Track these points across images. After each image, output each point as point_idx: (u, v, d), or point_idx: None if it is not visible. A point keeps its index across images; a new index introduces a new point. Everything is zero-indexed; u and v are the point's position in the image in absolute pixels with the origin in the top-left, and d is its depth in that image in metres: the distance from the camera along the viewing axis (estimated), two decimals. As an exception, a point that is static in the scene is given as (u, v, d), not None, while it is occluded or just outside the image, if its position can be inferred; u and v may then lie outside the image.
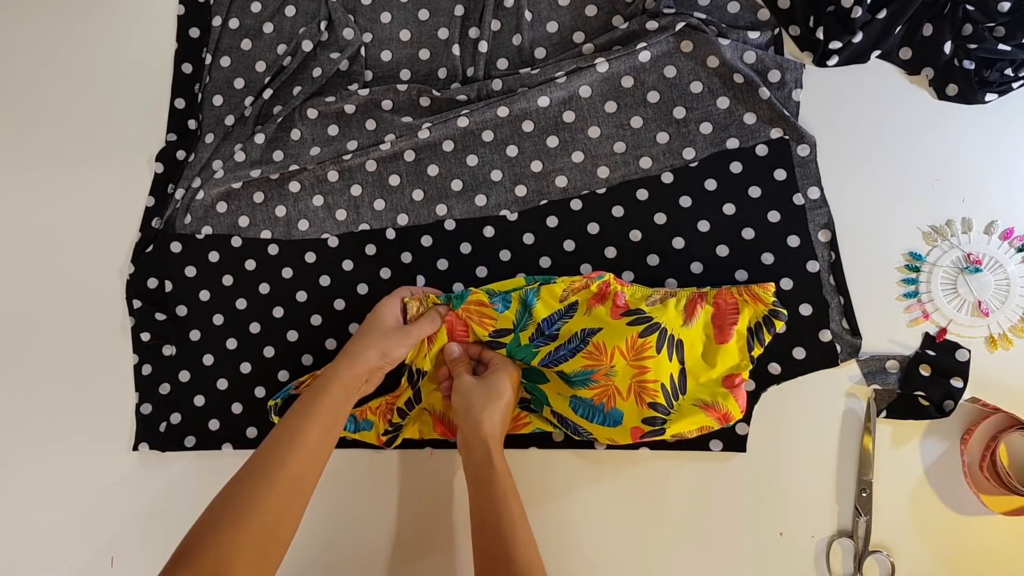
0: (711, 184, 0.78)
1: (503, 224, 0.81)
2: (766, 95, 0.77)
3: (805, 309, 0.76)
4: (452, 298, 0.76)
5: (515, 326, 0.75)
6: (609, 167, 0.80)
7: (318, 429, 0.67)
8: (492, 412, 0.70)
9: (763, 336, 0.74)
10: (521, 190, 0.82)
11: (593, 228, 0.80)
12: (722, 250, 0.77)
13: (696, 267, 0.78)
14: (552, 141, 0.81)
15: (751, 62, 0.78)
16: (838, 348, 0.75)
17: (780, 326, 0.74)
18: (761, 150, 0.78)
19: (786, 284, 0.77)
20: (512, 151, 0.82)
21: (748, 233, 0.77)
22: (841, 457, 0.76)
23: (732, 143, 0.78)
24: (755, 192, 0.78)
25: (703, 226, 0.78)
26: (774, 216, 0.77)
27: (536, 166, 0.81)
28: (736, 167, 0.78)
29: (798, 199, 0.77)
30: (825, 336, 0.76)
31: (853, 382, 0.76)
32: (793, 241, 0.77)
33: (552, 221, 0.80)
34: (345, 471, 0.80)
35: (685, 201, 0.78)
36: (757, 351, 0.74)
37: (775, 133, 0.78)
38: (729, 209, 0.78)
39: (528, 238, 0.80)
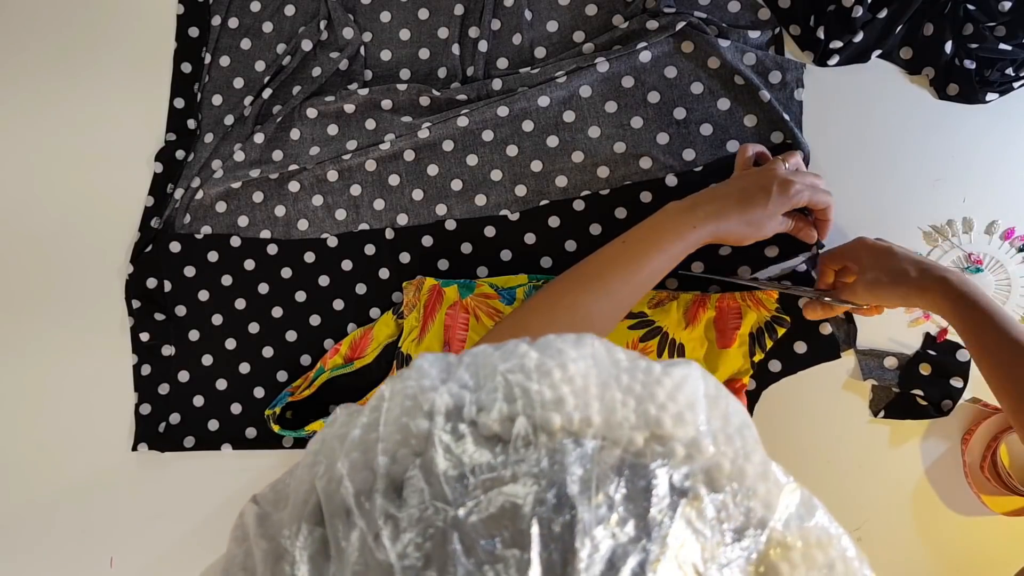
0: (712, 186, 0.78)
1: (504, 224, 0.81)
2: (766, 98, 0.77)
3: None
4: (459, 286, 0.76)
5: None
6: (609, 167, 0.80)
7: (652, 271, 0.63)
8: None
9: (764, 342, 0.74)
10: (521, 190, 0.81)
11: (596, 229, 0.79)
12: (724, 249, 0.77)
13: (697, 267, 0.77)
14: (552, 141, 0.81)
15: (751, 63, 0.78)
16: (839, 339, 0.76)
17: (781, 332, 0.74)
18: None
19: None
20: (512, 151, 0.82)
21: (725, 250, 0.77)
22: (841, 456, 0.75)
23: (732, 145, 0.78)
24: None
25: None
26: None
27: (536, 166, 0.81)
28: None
29: None
30: (826, 329, 0.76)
31: (852, 379, 0.76)
32: (771, 251, 0.77)
33: (554, 221, 0.80)
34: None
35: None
36: (758, 356, 0.74)
37: (776, 137, 0.78)
38: None
39: (529, 238, 0.80)
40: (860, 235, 0.71)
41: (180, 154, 0.86)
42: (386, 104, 0.83)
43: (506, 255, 0.80)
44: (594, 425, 0.25)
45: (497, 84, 0.81)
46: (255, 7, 0.88)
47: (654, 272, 0.64)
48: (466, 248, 0.81)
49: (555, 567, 0.22)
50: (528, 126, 0.81)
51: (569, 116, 0.81)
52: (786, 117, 0.77)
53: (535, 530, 0.23)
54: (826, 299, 0.71)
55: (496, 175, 0.82)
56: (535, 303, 0.61)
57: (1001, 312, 0.59)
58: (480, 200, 0.82)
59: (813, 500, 0.28)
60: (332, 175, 0.83)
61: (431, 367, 0.28)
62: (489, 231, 0.81)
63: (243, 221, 0.85)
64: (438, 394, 0.26)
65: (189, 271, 0.85)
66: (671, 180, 0.79)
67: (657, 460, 0.25)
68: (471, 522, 0.23)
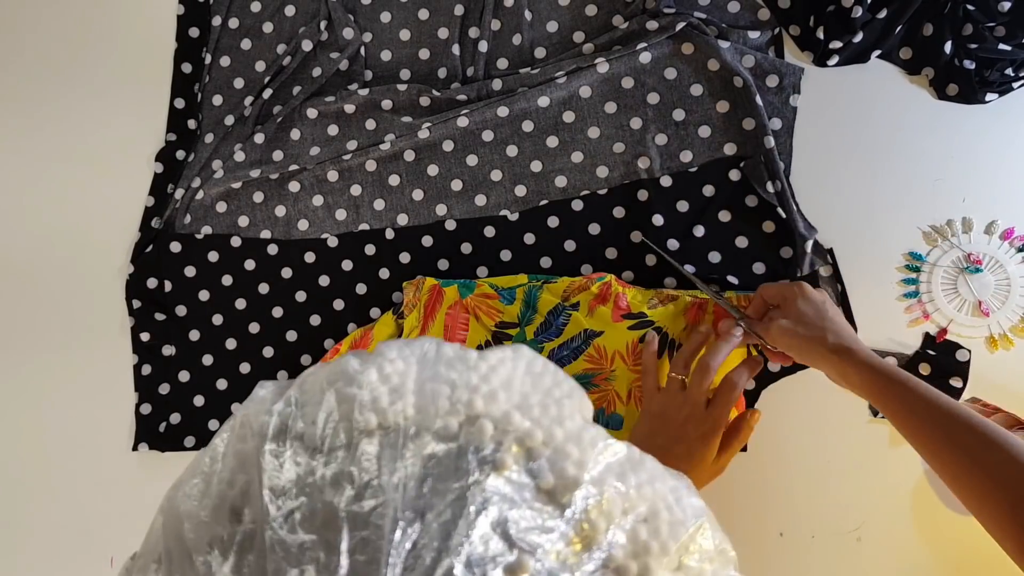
0: (708, 190, 0.78)
1: (504, 224, 0.81)
2: (759, 102, 0.77)
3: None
4: (459, 286, 0.76)
5: (520, 320, 0.75)
6: (608, 167, 0.80)
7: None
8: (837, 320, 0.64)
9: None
10: (521, 190, 0.81)
11: (594, 229, 0.79)
12: (714, 256, 0.77)
13: (690, 268, 0.78)
14: (552, 141, 0.81)
15: (750, 66, 0.78)
16: None
17: None
18: (735, 175, 0.78)
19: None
20: (512, 151, 0.82)
21: (742, 242, 0.77)
22: (841, 456, 0.75)
23: (730, 148, 0.78)
24: (751, 201, 0.77)
25: (698, 231, 0.78)
26: (768, 227, 0.77)
27: (536, 166, 0.81)
28: (735, 175, 0.78)
29: None
30: None
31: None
32: (786, 252, 0.77)
33: (553, 221, 0.80)
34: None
35: (682, 206, 0.78)
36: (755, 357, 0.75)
37: (768, 142, 0.78)
38: (725, 216, 0.78)
39: (529, 238, 0.80)
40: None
41: (180, 154, 0.86)
42: (386, 104, 0.83)
43: (506, 255, 0.80)
44: (409, 418, 0.26)
45: (497, 84, 0.81)
46: (255, 7, 0.88)
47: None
48: (466, 248, 0.81)
49: (361, 565, 0.23)
50: (528, 126, 0.81)
51: (569, 116, 0.81)
52: (766, 122, 0.77)
53: (345, 530, 0.24)
54: (742, 325, 0.69)
55: (496, 175, 0.82)
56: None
57: (909, 376, 0.58)
58: (480, 200, 0.82)
59: (644, 460, 0.29)
60: (332, 175, 0.83)
61: (266, 393, 0.29)
62: (489, 231, 0.81)
63: (243, 221, 0.85)
64: (268, 416, 0.27)
65: (189, 271, 0.85)
66: (666, 180, 0.79)
67: (469, 440, 0.26)
68: (287, 532, 0.24)
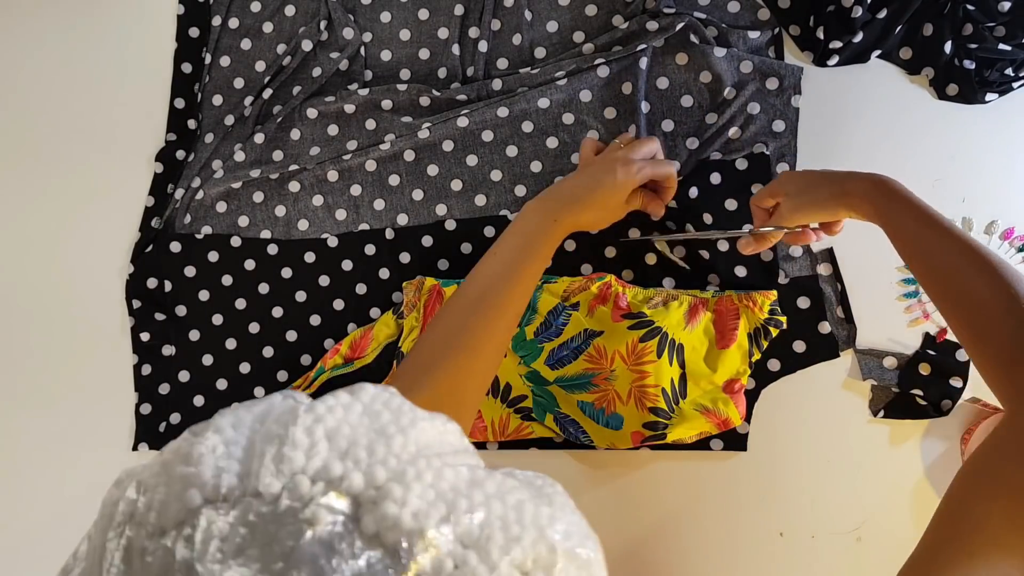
0: (693, 192, 0.78)
1: (504, 224, 0.81)
2: (755, 110, 0.78)
3: (803, 302, 0.76)
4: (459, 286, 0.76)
5: (520, 320, 0.75)
6: None
7: (530, 276, 0.64)
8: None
9: (761, 343, 0.74)
10: (521, 190, 0.81)
11: None
12: (704, 254, 0.77)
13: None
14: (552, 142, 0.81)
15: (748, 71, 0.78)
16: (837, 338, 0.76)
17: (775, 332, 0.74)
18: (741, 164, 0.78)
19: (781, 279, 0.77)
20: (512, 151, 0.82)
21: (723, 245, 0.77)
22: (841, 456, 0.76)
23: (715, 155, 0.78)
24: (731, 205, 0.78)
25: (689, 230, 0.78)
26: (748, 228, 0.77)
27: (536, 167, 0.81)
28: (715, 178, 0.78)
29: None
30: (824, 328, 0.76)
31: (852, 378, 0.76)
32: (766, 254, 0.77)
33: (708, 218, 0.80)
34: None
35: (671, 204, 0.78)
36: (756, 356, 0.75)
37: (757, 148, 0.78)
38: (708, 219, 0.78)
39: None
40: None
41: (180, 154, 0.86)
42: (386, 104, 0.83)
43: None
44: (229, 486, 0.27)
45: (497, 84, 0.81)
46: (255, 7, 0.88)
47: (533, 277, 0.65)
48: (466, 248, 0.81)
49: None
50: (528, 127, 0.81)
51: (568, 118, 0.81)
52: (772, 130, 0.77)
53: None
54: (756, 232, 0.71)
55: (496, 175, 0.82)
56: (430, 338, 0.61)
57: (920, 201, 0.59)
58: (480, 200, 0.82)
59: (488, 478, 0.29)
60: (332, 175, 0.83)
61: (127, 478, 0.29)
62: (489, 231, 0.81)
63: (243, 221, 0.85)
64: (123, 503, 0.28)
65: (189, 271, 0.85)
66: None
67: (291, 499, 0.26)
68: None
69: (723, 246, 0.77)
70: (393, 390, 0.32)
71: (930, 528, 0.44)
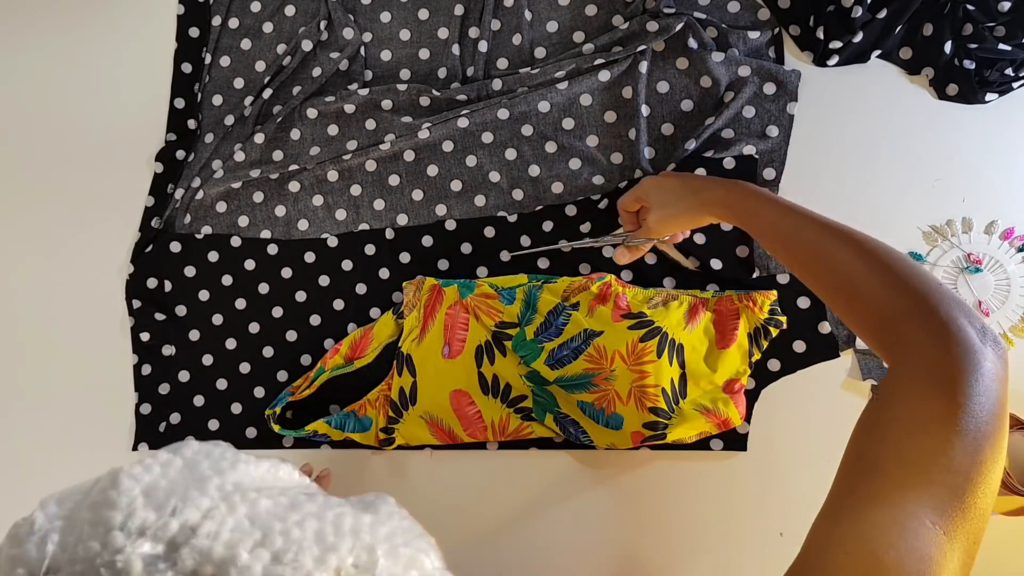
0: None
1: (503, 224, 0.81)
2: (750, 113, 0.78)
3: (803, 302, 0.76)
4: (459, 286, 0.76)
5: (520, 320, 0.75)
6: (604, 176, 0.80)
7: None
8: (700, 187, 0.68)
9: (761, 343, 0.74)
10: (518, 194, 0.81)
11: (586, 227, 0.79)
12: (699, 238, 0.78)
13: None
14: (551, 147, 0.81)
15: (746, 75, 0.78)
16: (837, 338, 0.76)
17: (775, 332, 0.74)
18: (728, 163, 0.78)
19: (782, 278, 0.77)
20: (511, 154, 0.82)
21: (700, 238, 0.77)
22: (841, 453, 0.75)
23: (708, 154, 0.78)
24: None
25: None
26: (726, 226, 0.78)
27: (534, 171, 0.81)
28: (700, 173, 0.78)
29: None
30: (824, 328, 0.76)
31: (852, 378, 0.76)
32: (742, 252, 0.77)
33: (548, 225, 0.80)
34: (345, 472, 0.80)
35: None
36: (756, 356, 0.75)
37: (747, 150, 0.78)
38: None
39: (525, 240, 0.80)
40: (705, 223, 0.72)
41: (180, 154, 0.86)
42: (386, 104, 0.83)
43: (505, 255, 0.81)
44: (53, 558, 0.30)
45: (497, 84, 0.81)
46: (255, 7, 0.88)
47: None
48: (466, 248, 0.81)
49: None
50: (527, 130, 0.81)
51: (568, 123, 0.81)
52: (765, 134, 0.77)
53: None
54: (629, 242, 0.74)
55: (495, 177, 0.82)
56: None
57: (776, 196, 0.63)
58: (479, 201, 0.82)
59: (289, 515, 0.32)
60: (332, 175, 0.83)
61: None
62: (489, 231, 0.81)
63: (243, 221, 0.85)
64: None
65: (189, 271, 0.85)
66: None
67: (107, 555, 0.29)
68: None
69: (699, 239, 0.77)
70: (223, 444, 0.35)
71: (835, 480, 0.46)
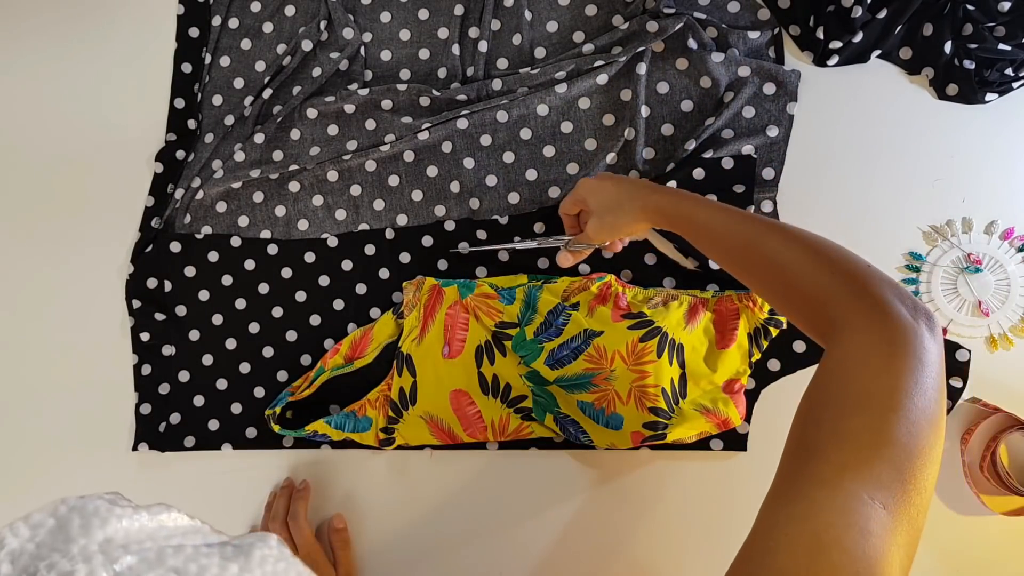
0: (672, 186, 0.78)
1: (495, 227, 0.81)
2: (750, 113, 0.78)
3: None
4: (459, 286, 0.76)
5: (520, 320, 0.75)
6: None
7: None
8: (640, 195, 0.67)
9: (761, 343, 0.74)
10: (514, 197, 0.81)
11: None
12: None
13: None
14: (549, 151, 0.81)
15: (746, 75, 0.78)
16: None
17: (775, 332, 0.74)
18: (727, 163, 0.78)
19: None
20: (509, 157, 0.82)
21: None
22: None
23: (707, 154, 0.78)
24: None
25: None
26: None
27: (531, 174, 0.81)
28: (699, 174, 0.78)
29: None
30: None
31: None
32: None
33: (539, 227, 0.80)
34: (345, 472, 0.80)
35: None
36: (756, 356, 0.75)
37: (746, 149, 0.78)
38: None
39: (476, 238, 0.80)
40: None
41: (180, 154, 0.86)
42: (386, 104, 0.83)
43: (504, 256, 0.80)
44: None
45: (497, 84, 0.81)
46: (255, 7, 0.88)
47: None
48: (465, 248, 0.81)
49: None
50: (526, 134, 0.81)
51: (567, 127, 0.81)
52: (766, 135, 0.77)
53: None
54: (570, 247, 0.74)
55: (491, 180, 0.82)
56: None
57: (709, 200, 0.63)
58: (474, 203, 0.82)
59: (153, 570, 0.32)
60: (332, 175, 0.83)
61: None
62: (481, 234, 0.81)
63: (243, 221, 0.85)
64: None
65: (189, 271, 0.85)
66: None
67: None
68: None
69: None
70: (102, 498, 0.36)
71: (779, 466, 0.46)
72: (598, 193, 0.69)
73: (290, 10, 0.87)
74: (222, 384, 0.83)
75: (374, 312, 0.82)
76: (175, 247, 0.85)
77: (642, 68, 0.79)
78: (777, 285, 0.55)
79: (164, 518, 0.36)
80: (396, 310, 0.79)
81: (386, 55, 0.86)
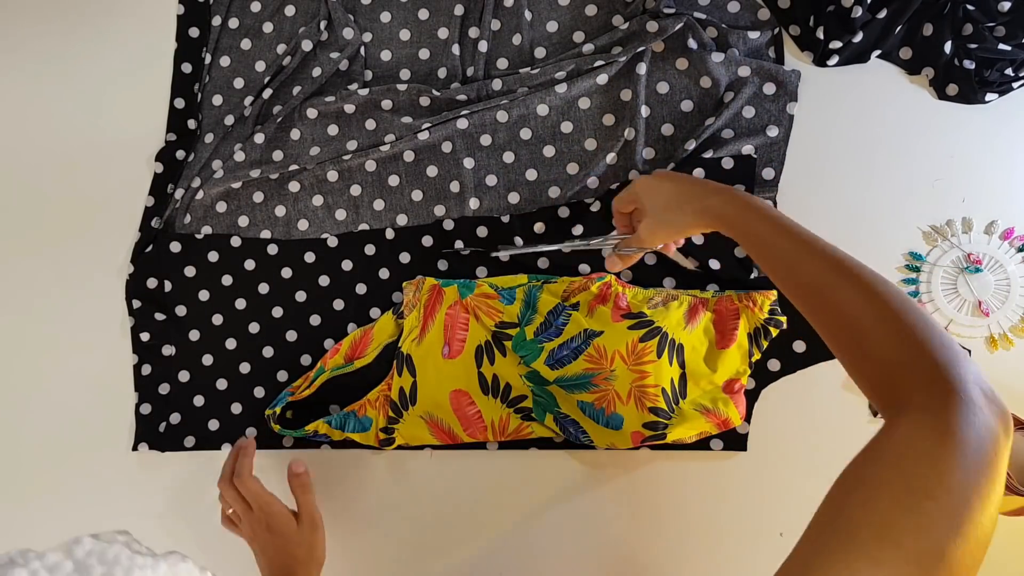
0: None
1: (496, 224, 0.81)
2: (750, 113, 0.78)
3: None
4: (459, 286, 0.76)
5: (520, 320, 0.75)
6: (599, 179, 0.80)
7: None
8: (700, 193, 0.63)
9: (761, 343, 0.74)
10: (514, 197, 0.81)
11: (577, 229, 0.79)
12: (698, 238, 0.78)
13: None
14: (549, 151, 0.81)
15: (746, 75, 0.78)
16: None
17: (775, 332, 0.74)
18: (727, 163, 0.78)
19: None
20: (509, 157, 0.82)
21: (698, 239, 0.77)
22: (841, 456, 0.75)
23: (707, 154, 0.78)
24: None
25: None
26: None
27: (531, 174, 0.81)
28: (699, 174, 0.77)
29: None
30: None
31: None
32: (741, 252, 0.77)
33: (539, 227, 0.80)
34: (345, 472, 0.80)
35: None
36: (756, 356, 0.75)
37: (746, 149, 0.78)
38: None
39: (519, 241, 0.80)
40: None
41: (180, 154, 0.86)
42: (386, 104, 0.83)
43: (504, 255, 0.80)
44: None
45: (497, 84, 0.81)
46: (255, 7, 0.88)
47: None
48: (464, 248, 0.81)
49: None
50: (526, 134, 0.81)
51: (567, 127, 0.81)
52: (767, 135, 0.77)
53: None
54: (621, 251, 0.70)
55: (491, 180, 0.82)
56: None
57: (775, 212, 0.59)
58: (474, 203, 0.82)
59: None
60: (332, 175, 0.83)
61: None
62: (481, 231, 0.81)
63: (243, 221, 0.85)
64: None
65: (189, 271, 0.85)
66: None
67: None
68: None
69: (698, 239, 0.77)
70: (121, 539, 0.35)
71: (808, 531, 0.43)
72: (654, 194, 0.65)
73: (290, 10, 0.87)
74: (222, 384, 0.83)
75: (374, 312, 0.82)
76: (175, 247, 0.85)
77: (642, 68, 0.79)
78: (845, 338, 0.50)
79: (180, 570, 0.35)
80: (396, 310, 0.79)
81: (386, 55, 0.86)
